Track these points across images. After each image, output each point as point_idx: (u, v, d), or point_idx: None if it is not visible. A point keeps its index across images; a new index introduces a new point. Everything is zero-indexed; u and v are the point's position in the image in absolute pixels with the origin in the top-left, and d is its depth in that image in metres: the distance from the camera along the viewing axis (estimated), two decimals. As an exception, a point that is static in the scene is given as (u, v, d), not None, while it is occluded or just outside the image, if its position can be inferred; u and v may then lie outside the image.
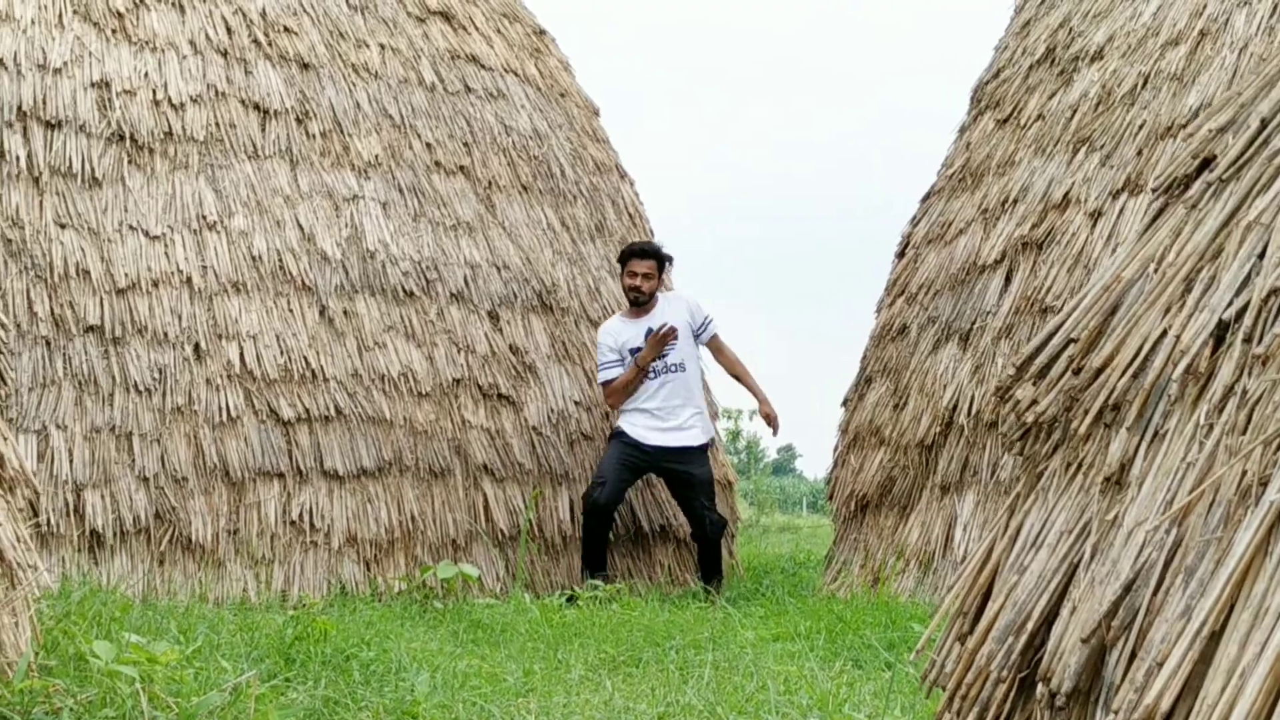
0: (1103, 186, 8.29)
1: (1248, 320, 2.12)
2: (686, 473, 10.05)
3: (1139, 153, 8.19)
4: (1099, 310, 2.50)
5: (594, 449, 10.73)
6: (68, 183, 9.38)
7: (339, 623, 5.80)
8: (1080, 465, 2.45)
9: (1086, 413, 2.39)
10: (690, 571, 11.35)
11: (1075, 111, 8.79)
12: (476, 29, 11.69)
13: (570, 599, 9.01)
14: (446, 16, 11.56)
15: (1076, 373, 2.50)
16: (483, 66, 11.49)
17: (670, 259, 10.55)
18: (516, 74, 11.75)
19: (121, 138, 9.62)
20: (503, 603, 7.77)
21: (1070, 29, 9.30)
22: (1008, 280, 8.69)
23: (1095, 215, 8.24)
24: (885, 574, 8.78)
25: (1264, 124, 2.35)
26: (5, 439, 4.76)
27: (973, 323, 8.79)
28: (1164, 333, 2.29)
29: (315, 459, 9.52)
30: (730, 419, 68.97)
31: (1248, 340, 2.11)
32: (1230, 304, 2.17)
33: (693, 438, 10.10)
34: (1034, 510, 2.58)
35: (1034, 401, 2.62)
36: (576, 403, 10.65)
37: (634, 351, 10.06)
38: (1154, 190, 2.65)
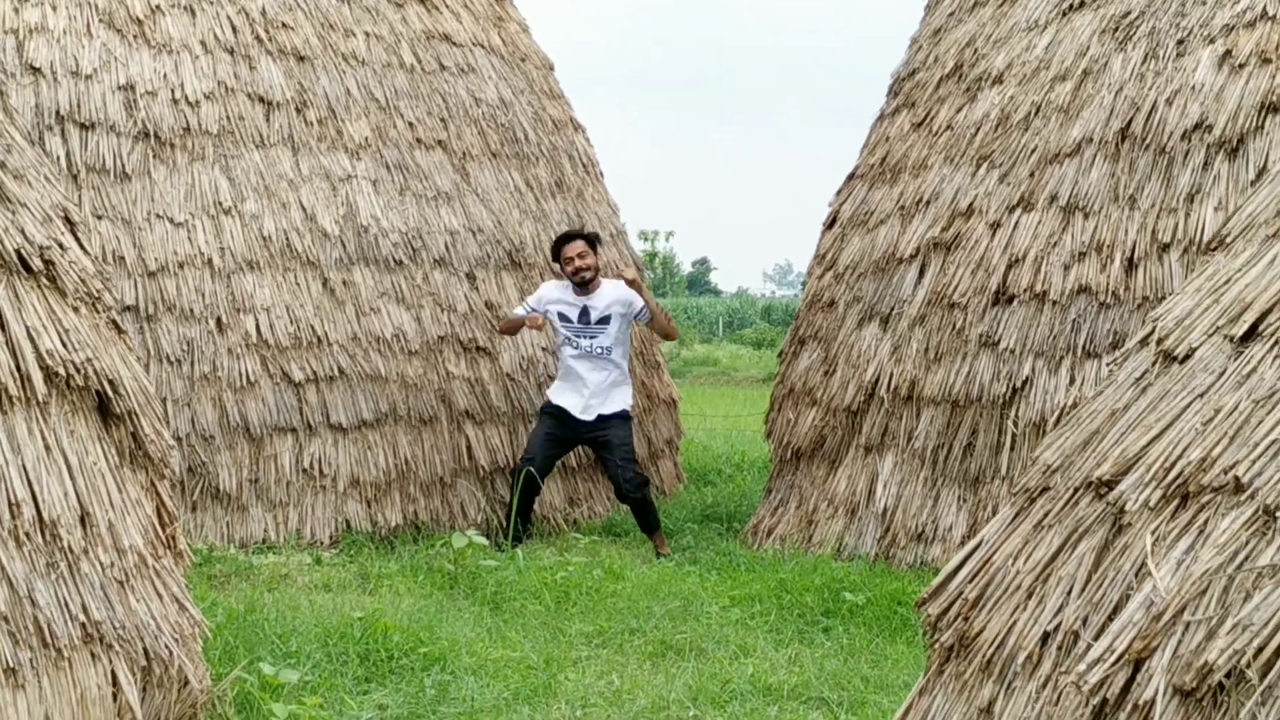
0: (1001, 201, 9.71)
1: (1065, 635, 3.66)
2: (605, 437, 11.16)
3: (1031, 174, 9.62)
4: (978, 584, 4.05)
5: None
6: (101, 178, 10.70)
7: (394, 621, 7.35)
8: (964, 684, 4.01)
9: (970, 658, 3.95)
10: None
11: (979, 129, 10.18)
12: (447, 6, 12.97)
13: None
14: (421, -1, 12.84)
15: (965, 620, 4.05)
16: (454, 43, 12.79)
17: (598, 237, 11.64)
18: (483, 46, 13.05)
19: (146, 135, 10.92)
20: (500, 562, 9.30)
21: (975, 49, 10.66)
22: (921, 273, 10.15)
23: (994, 226, 9.67)
24: (817, 517, 10.36)
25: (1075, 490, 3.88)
26: (157, 424, 5.91)
27: (891, 308, 10.24)
28: (1014, 624, 3.83)
29: (322, 414, 11.01)
30: (647, 240, 69.03)
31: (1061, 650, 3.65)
32: (1056, 616, 3.71)
33: (612, 408, 11.22)
34: (939, 696, 4.14)
35: (939, 622, 4.18)
36: (544, 349, 12.12)
37: (562, 318, 11.13)
38: (1012, 494, 4.20)
